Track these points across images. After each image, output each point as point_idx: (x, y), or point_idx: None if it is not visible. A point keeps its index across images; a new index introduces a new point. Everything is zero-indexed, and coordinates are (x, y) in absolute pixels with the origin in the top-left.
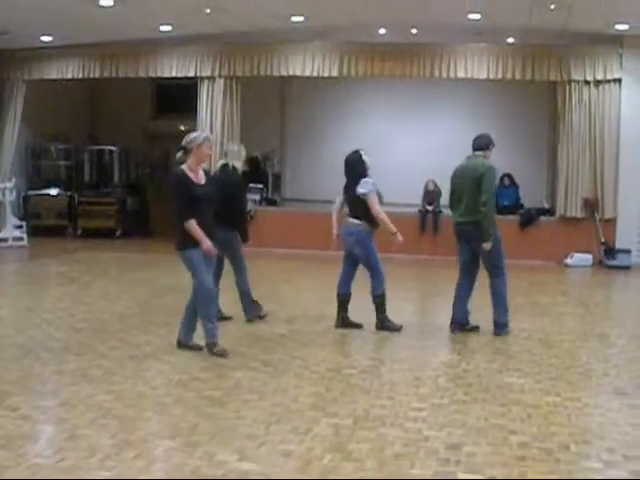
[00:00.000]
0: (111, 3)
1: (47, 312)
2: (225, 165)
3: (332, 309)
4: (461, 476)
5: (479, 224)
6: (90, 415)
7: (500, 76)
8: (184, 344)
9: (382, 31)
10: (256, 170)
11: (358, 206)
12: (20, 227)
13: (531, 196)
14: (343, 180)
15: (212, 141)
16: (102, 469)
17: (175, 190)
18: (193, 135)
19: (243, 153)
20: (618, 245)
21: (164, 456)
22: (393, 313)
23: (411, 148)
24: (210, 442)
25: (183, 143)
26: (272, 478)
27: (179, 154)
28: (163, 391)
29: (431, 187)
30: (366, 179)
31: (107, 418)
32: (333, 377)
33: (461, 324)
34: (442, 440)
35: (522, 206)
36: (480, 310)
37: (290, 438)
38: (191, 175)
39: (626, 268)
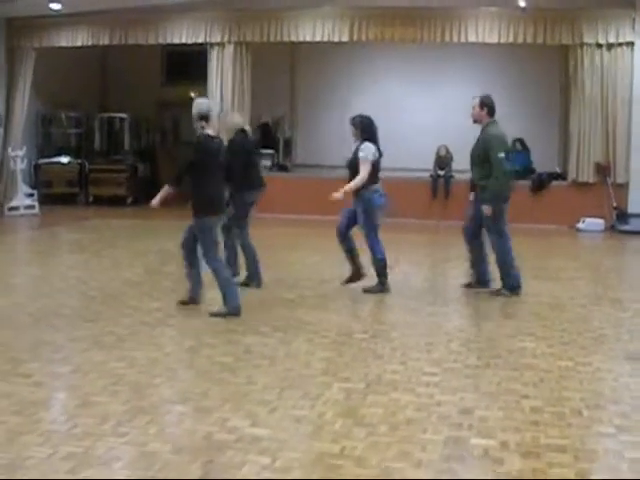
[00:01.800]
0: None
1: (59, 280)
2: (244, 130)
3: (341, 273)
4: (473, 441)
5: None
6: (102, 382)
7: (511, 40)
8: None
9: None
10: (267, 136)
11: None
12: (31, 195)
13: (543, 161)
14: (353, 145)
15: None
16: (115, 435)
17: (198, 155)
18: (207, 103)
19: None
20: (630, 210)
21: (176, 421)
22: (405, 278)
23: (422, 113)
24: (222, 407)
25: (203, 111)
26: (284, 443)
27: (202, 122)
28: (174, 357)
29: (443, 152)
30: (368, 144)
31: (119, 384)
32: (344, 342)
33: (478, 283)
34: (454, 405)
35: (534, 171)
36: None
37: (302, 403)
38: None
39: (638, 233)
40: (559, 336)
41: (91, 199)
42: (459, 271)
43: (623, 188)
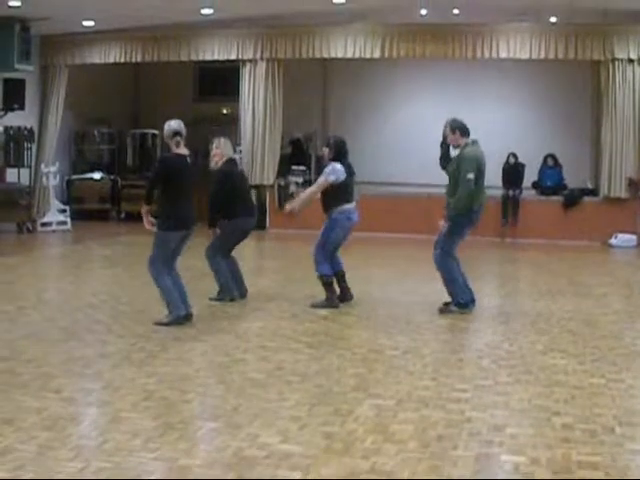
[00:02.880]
0: None
1: (90, 295)
2: (233, 159)
3: (371, 291)
4: (504, 458)
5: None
6: (133, 397)
7: (543, 56)
8: None
9: (423, 12)
10: (299, 152)
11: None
12: (64, 211)
13: (575, 176)
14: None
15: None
16: (145, 451)
17: (163, 172)
18: (179, 122)
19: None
20: None
21: (207, 438)
22: (432, 294)
23: None
24: (252, 424)
25: (174, 128)
26: (314, 459)
27: (176, 139)
28: (205, 373)
29: None
30: (334, 164)
31: (150, 400)
32: (376, 358)
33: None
34: (485, 421)
35: (566, 187)
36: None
37: (332, 420)
38: None
39: None
40: (591, 352)
41: (123, 215)
42: (488, 289)
43: None
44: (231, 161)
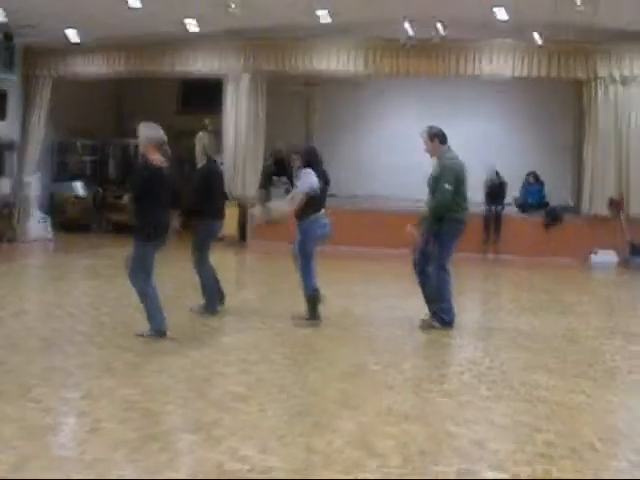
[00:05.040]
0: (139, 5)
1: (71, 306)
2: (214, 160)
3: (352, 306)
4: (485, 474)
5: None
6: (113, 408)
7: (526, 74)
8: None
9: (410, 32)
10: (281, 164)
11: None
12: (45, 221)
13: (556, 194)
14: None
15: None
16: (126, 462)
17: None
18: (158, 127)
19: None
20: None
21: (188, 450)
22: (412, 310)
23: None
24: (233, 436)
25: (153, 136)
26: (295, 473)
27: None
28: (186, 385)
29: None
30: (306, 170)
31: (130, 411)
32: (357, 373)
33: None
34: (466, 437)
35: (547, 204)
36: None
37: (313, 433)
38: None
39: None
40: (571, 368)
41: (105, 226)
42: (470, 304)
43: (637, 222)
44: (210, 160)
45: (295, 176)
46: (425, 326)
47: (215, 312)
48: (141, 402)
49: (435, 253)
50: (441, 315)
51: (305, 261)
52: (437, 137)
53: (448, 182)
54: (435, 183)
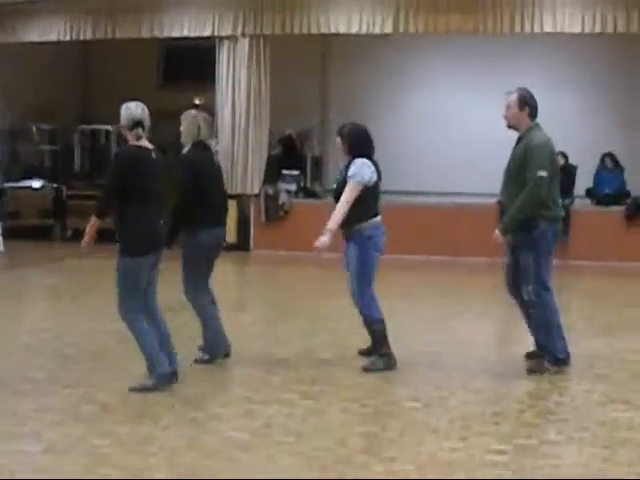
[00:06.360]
0: None
1: (28, 334)
2: (205, 144)
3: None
4: None
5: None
6: (82, 463)
7: (598, 29)
8: None
9: None
10: (291, 153)
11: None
12: None
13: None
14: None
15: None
16: None
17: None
18: (142, 106)
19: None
20: None
21: None
22: (462, 330)
23: (486, 124)
24: None
25: (137, 116)
26: None
27: (137, 130)
28: (174, 432)
29: None
30: (364, 161)
31: (104, 467)
32: (390, 412)
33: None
34: None
35: (629, 194)
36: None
37: None
38: None
39: None
40: None
41: (70, 233)
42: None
43: None
44: (200, 145)
45: (345, 164)
46: (534, 368)
47: (219, 356)
48: (118, 455)
49: (529, 267)
50: (554, 352)
51: (367, 285)
52: (528, 106)
53: (543, 168)
54: (519, 169)
